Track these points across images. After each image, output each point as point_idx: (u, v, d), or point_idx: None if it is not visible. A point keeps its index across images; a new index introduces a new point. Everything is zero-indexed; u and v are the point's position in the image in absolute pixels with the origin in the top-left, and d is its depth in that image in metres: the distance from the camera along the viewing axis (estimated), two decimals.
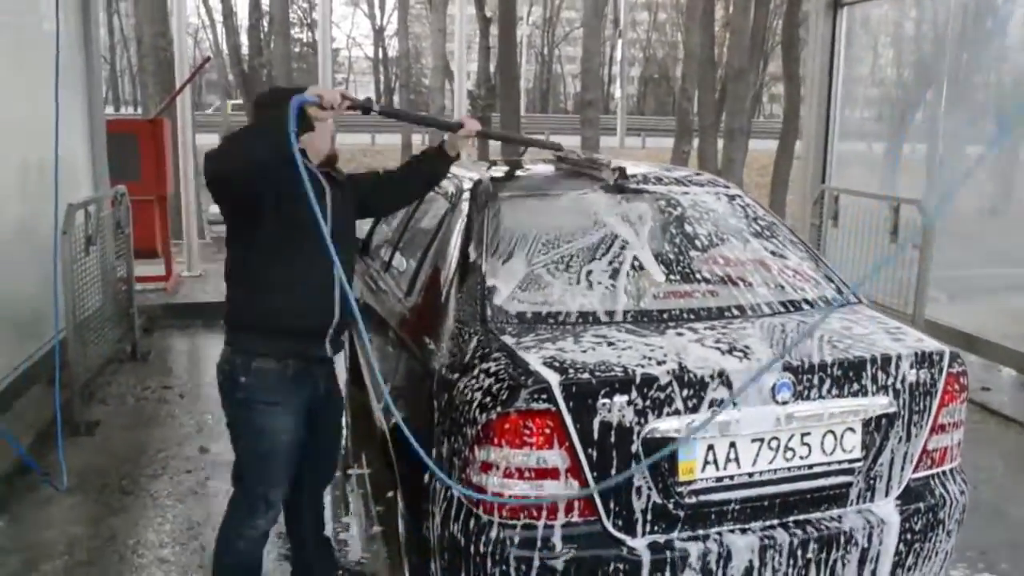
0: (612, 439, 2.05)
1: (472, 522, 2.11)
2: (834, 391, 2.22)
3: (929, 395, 2.35)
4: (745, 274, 2.66)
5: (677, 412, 2.08)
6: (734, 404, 2.10)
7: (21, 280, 4.49)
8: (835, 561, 2.23)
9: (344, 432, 3.30)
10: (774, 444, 2.20)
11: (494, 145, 13.89)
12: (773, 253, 2.82)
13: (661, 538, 2.13)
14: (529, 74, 41.44)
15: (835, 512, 2.28)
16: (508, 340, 2.24)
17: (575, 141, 17.93)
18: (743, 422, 2.14)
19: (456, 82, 11.11)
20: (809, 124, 7.46)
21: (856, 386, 2.24)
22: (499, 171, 3.29)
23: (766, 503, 2.21)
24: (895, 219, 5.31)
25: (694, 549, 2.12)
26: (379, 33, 38.07)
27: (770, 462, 2.20)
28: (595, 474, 2.05)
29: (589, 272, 2.53)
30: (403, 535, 2.62)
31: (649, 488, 2.10)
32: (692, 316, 2.45)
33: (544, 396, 2.02)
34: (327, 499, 3.03)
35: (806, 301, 2.64)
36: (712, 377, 2.11)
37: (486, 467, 2.06)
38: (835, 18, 7.08)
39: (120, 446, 4.19)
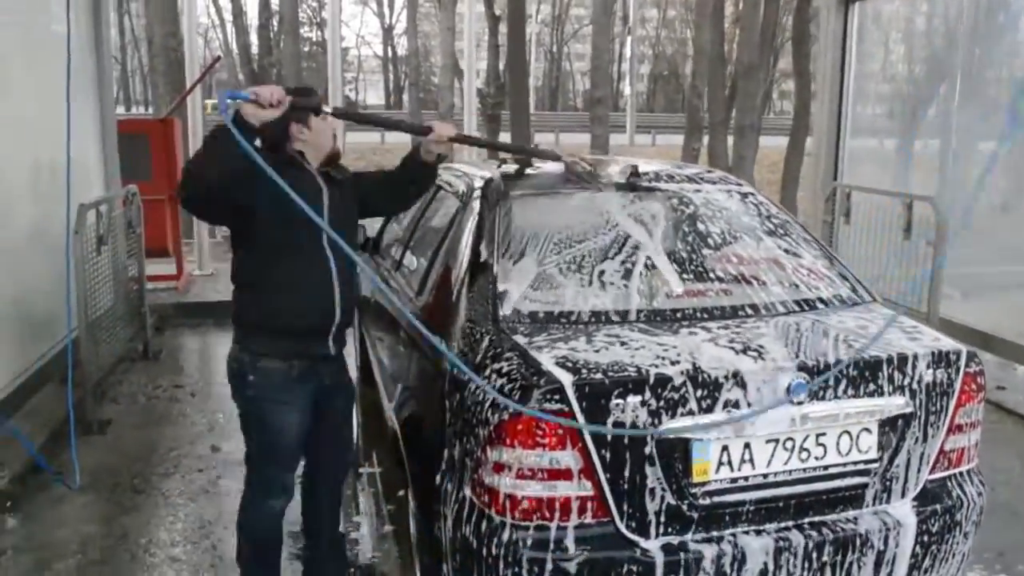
0: (625, 440, 2.03)
1: (484, 524, 2.10)
2: (850, 391, 2.19)
3: (946, 395, 2.32)
4: (759, 273, 2.64)
5: (691, 412, 2.06)
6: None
7: (34, 280, 4.50)
8: (851, 563, 2.21)
9: (356, 429, 3.30)
10: (789, 445, 2.18)
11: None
12: (787, 251, 2.80)
13: (675, 540, 2.11)
14: (538, 72, 41.37)
15: (851, 514, 2.26)
16: (520, 340, 2.23)
17: (584, 139, 17.95)
18: (758, 423, 2.11)
19: (465, 80, 11.10)
20: (820, 120, 7.40)
21: (872, 386, 2.22)
22: (510, 169, 3.27)
23: (781, 504, 2.19)
24: (908, 216, 5.26)
25: (708, 551, 2.10)
26: (388, 32, 38.21)
27: (785, 463, 2.18)
28: (608, 475, 2.04)
29: (601, 271, 2.51)
30: (414, 535, 2.62)
31: (663, 489, 2.08)
32: (706, 315, 2.43)
33: (557, 396, 2.00)
34: None
35: (821, 300, 2.62)
36: (726, 377, 2.09)
37: (499, 468, 2.05)
38: (846, 13, 7.01)
39: (132, 445, 4.21)
